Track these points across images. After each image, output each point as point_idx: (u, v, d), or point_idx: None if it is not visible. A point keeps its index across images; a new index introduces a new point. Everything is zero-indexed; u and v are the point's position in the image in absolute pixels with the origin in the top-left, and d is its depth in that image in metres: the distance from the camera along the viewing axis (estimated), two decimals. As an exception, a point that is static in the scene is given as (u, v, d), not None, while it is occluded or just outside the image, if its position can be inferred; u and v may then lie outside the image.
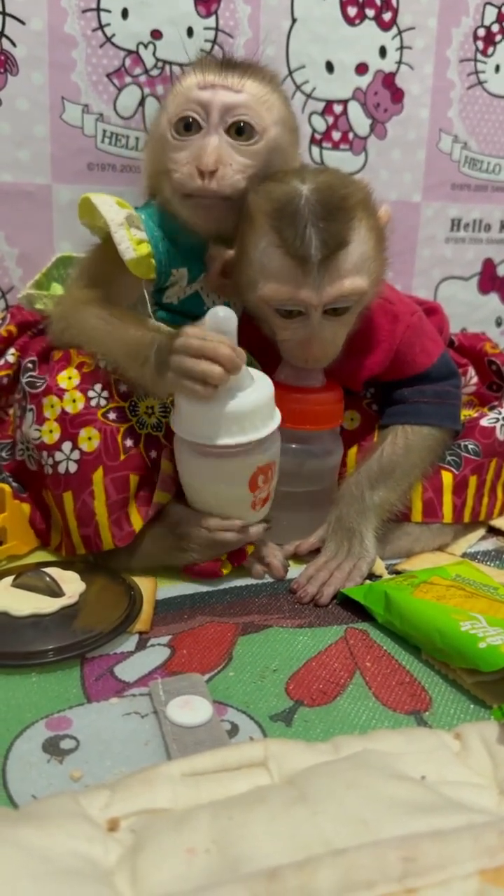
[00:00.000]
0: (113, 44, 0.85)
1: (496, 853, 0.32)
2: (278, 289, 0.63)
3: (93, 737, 0.48)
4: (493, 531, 0.80)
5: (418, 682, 0.55)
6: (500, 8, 1.00)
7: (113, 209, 0.67)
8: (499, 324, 1.14)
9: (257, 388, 0.63)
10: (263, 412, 0.63)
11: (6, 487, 0.70)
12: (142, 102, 0.87)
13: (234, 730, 0.49)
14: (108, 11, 0.83)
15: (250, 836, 0.34)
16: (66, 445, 0.65)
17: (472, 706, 0.52)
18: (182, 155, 0.66)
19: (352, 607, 0.64)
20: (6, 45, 0.81)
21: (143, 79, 0.87)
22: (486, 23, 1.00)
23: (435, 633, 0.56)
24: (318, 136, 0.96)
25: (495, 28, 1.01)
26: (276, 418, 0.64)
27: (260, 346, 0.70)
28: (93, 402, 0.66)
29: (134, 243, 0.66)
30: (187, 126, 0.66)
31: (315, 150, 0.96)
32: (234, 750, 0.41)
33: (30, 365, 0.70)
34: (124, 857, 0.34)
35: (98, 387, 0.66)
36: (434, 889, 0.30)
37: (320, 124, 0.96)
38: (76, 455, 0.65)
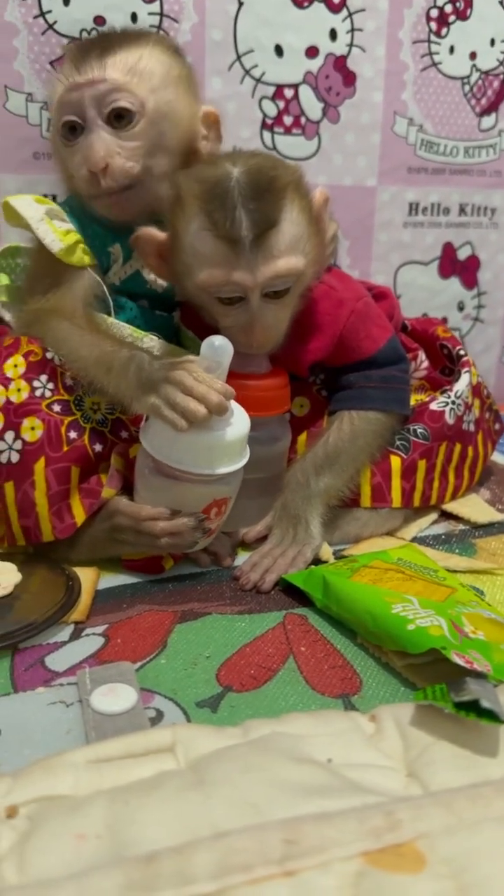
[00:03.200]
0: (55, 31, 0.84)
1: (381, 835, 0.31)
2: (213, 273, 0.63)
3: (15, 726, 0.47)
4: (446, 515, 0.80)
5: (351, 665, 0.54)
6: (452, -12, 1.00)
7: (31, 207, 0.69)
8: (461, 308, 1.13)
9: (235, 424, 0.62)
10: (234, 448, 0.62)
11: None
12: (87, 90, 0.86)
13: (158, 717, 0.48)
14: (50, -2, 0.83)
15: (141, 822, 0.33)
16: (9, 435, 0.65)
17: (402, 689, 0.52)
18: (75, 159, 0.67)
19: (294, 593, 0.64)
20: None
21: (87, 66, 0.86)
22: (439, 3, 1.00)
23: (367, 616, 0.55)
24: (269, 122, 0.95)
25: (448, 9, 1.00)
26: (245, 456, 0.64)
27: (203, 331, 0.70)
28: (37, 393, 0.65)
29: (60, 234, 0.67)
30: (72, 129, 0.67)
31: (267, 135, 0.95)
32: (141, 736, 0.41)
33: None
34: (16, 843, 0.34)
35: (44, 378, 0.66)
36: (313, 871, 0.30)
37: (271, 109, 0.95)
38: (18, 445, 0.65)
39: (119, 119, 0.66)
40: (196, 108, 0.72)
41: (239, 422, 0.62)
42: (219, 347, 0.60)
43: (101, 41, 0.69)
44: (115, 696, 0.49)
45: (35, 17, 0.82)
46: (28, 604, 0.59)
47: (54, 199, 0.85)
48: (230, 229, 0.61)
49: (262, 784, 0.35)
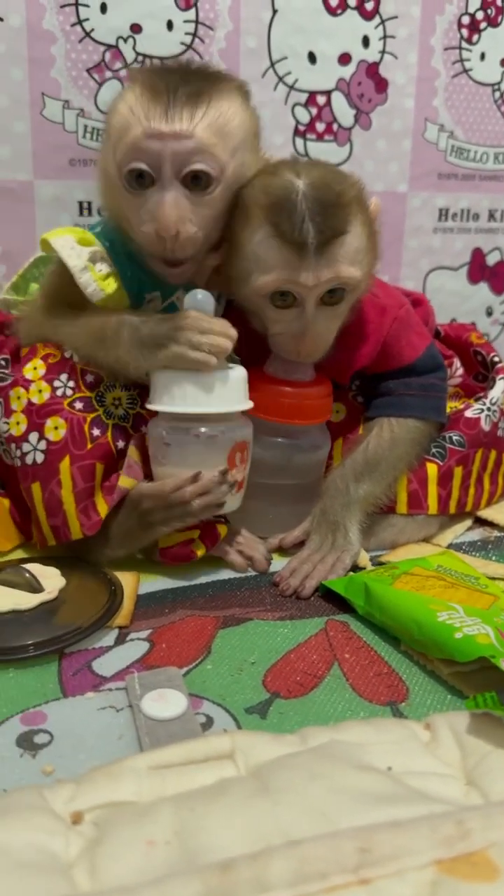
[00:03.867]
0: (92, 38, 0.84)
1: (454, 843, 0.31)
2: (275, 276, 0.63)
3: (67, 731, 0.48)
4: (480, 521, 0.80)
5: (396, 673, 0.55)
6: (484, -5, 1.00)
7: (74, 252, 0.64)
8: (489, 313, 1.14)
9: (236, 366, 0.66)
10: (244, 387, 0.66)
11: (-13, 483, 0.70)
12: (123, 97, 0.87)
13: (208, 723, 0.49)
14: (87, 6, 0.83)
15: (210, 828, 0.34)
16: (33, 436, 0.65)
17: (448, 696, 0.52)
18: (138, 210, 0.63)
19: (334, 599, 0.64)
20: (-15, 41, 0.81)
21: (123, 73, 0.86)
22: (471, 10, 1.00)
23: (412, 624, 0.55)
24: (301, 128, 0.96)
25: (479, 15, 1.01)
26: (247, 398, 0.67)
27: (247, 340, 0.70)
28: (59, 392, 0.66)
29: (100, 280, 0.65)
30: (139, 177, 0.61)
31: (299, 141, 0.96)
32: (201, 742, 0.41)
33: (2, 362, 0.70)
34: (85, 850, 0.34)
35: (64, 377, 0.66)
36: (389, 879, 0.30)
37: (304, 116, 0.95)
38: (43, 445, 0.65)
39: (195, 180, 0.61)
40: (259, 164, 0.67)
41: (236, 364, 0.67)
42: (201, 300, 0.64)
43: (186, 81, 0.61)
44: (166, 702, 0.49)
45: (73, 24, 0.83)
46: (73, 608, 0.59)
47: (89, 207, 0.86)
48: (297, 236, 0.61)
49: (329, 791, 0.35)
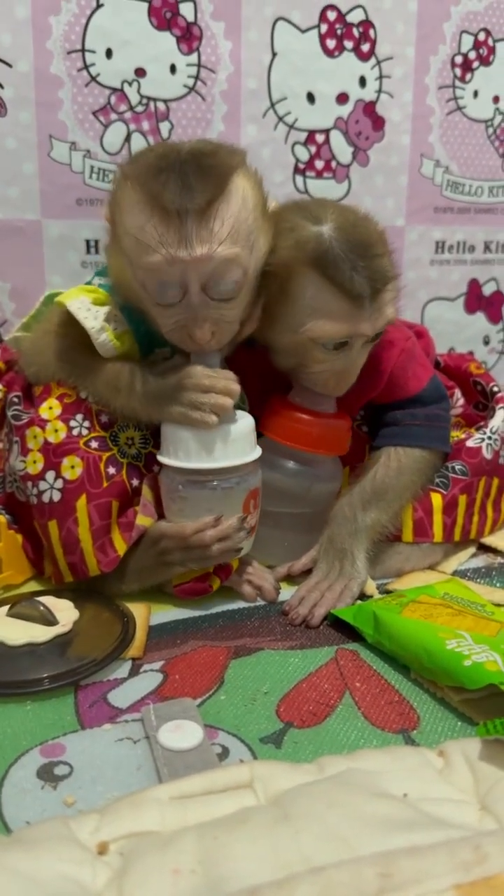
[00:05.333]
0: (98, 82, 0.87)
1: (471, 868, 0.32)
2: (339, 327, 0.65)
3: (86, 763, 0.49)
4: (484, 548, 0.81)
5: (407, 700, 0.56)
6: (475, 36, 1.03)
7: (90, 314, 0.65)
8: (486, 342, 1.16)
9: (242, 414, 0.67)
10: (253, 435, 0.67)
11: (1, 518, 0.71)
12: (128, 138, 0.89)
13: (224, 753, 0.50)
14: (93, 52, 0.86)
15: (234, 856, 0.35)
16: (50, 475, 0.67)
17: (459, 723, 0.53)
18: (164, 316, 0.62)
19: (342, 628, 0.65)
20: (-6, 87, 0.83)
21: (128, 115, 0.89)
22: (464, 50, 1.03)
23: (422, 652, 0.56)
24: (301, 166, 0.98)
25: (472, 55, 1.04)
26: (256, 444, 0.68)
27: (260, 373, 0.72)
28: (74, 432, 0.67)
29: (115, 340, 0.66)
30: (162, 286, 0.60)
31: (299, 178, 0.98)
32: (221, 772, 0.42)
33: (15, 399, 0.71)
34: (112, 879, 0.35)
35: (79, 417, 0.68)
36: (410, 903, 0.31)
37: (303, 154, 0.98)
38: (59, 484, 0.66)
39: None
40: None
41: (242, 413, 0.68)
42: (206, 353, 0.64)
43: (189, 190, 0.57)
44: (182, 733, 0.50)
45: (79, 69, 0.86)
46: (86, 640, 0.60)
47: (96, 245, 0.89)
48: (354, 288, 0.63)
49: (349, 818, 0.36)
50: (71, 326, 0.67)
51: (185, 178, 0.57)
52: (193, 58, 0.90)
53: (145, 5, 0.87)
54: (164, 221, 0.58)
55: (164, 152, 0.60)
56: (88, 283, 0.71)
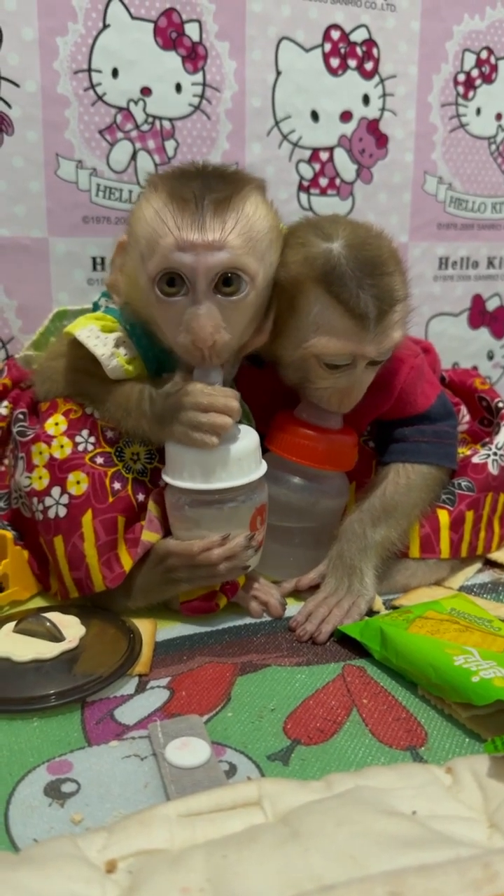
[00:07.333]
0: (104, 102, 0.88)
1: (481, 886, 0.32)
2: (341, 345, 0.65)
3: (93, 780, 0.48)
4: (490, 564, 0.81)
5: (414, 717, 0.55)
6: (478, 54, 1.04)
7: (100, 341, 0.66)
8: (490, 357, 1.16)
9: (246, 430, 0.67)
10: (258, 451, 0.67)
11: (7, 534, 0.71)
12: (134, 156, 0.90)
13: (232, 770, 0.49)
14: (99, 72, 0.87)
15: (243, 875, 0.34)
16: (56, 490, 0.67)
17: (467, 740, 0.53)
18: (171, 319, 0.63)
19: (349, 644, 0.65)
20: (1, 106, 0.84)
21: (134, 134, 0.90)
22: (466, 68, 1.04)
23: (429, 669, 0.56)
24: (305, 183, 0.99)
25: (475, 73, 1.05)
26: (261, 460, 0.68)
27: (268, 391, 0.72)
28: (80, 447, 0.67)
29: (125, 365, 0.67)
30: (171, 282, 0.62)
31: (303, 196, 0.99)
32: (229, 790, 0.41)
33: (20, 416, 0.72)
34: (121, 898, 0.35)
35: (85, 432, 0.68)
36: (421, 922, 0.31)
37: (307, 172, 0.98)
38: (65, 499, 0.66)
39: (227, 284, 0.62)
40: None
41: (247, 428, 0.67)
42: (211, 368, 0.64)
43: (209, 188, 0.61)
44: (190, 750, 0.49)
45: (86, 89, 0.87)
46: (93, 656, 0.60)
47: (102, 263, 0.89)
48: (359, 309, 0.63)
49: (357, 836, 0.36)
50: (81, 350, 0.67)
51: (205, 179, 0.62)
52: (198, 77, 0.91)
53: (151, 25, 0.88)
54: (181, 207, 0.61)
55: (189, 166, 0.65)
56: (96, 303, 0.72)
